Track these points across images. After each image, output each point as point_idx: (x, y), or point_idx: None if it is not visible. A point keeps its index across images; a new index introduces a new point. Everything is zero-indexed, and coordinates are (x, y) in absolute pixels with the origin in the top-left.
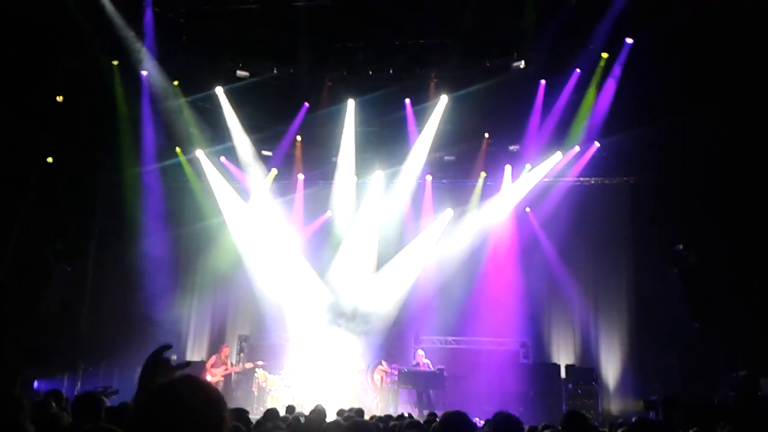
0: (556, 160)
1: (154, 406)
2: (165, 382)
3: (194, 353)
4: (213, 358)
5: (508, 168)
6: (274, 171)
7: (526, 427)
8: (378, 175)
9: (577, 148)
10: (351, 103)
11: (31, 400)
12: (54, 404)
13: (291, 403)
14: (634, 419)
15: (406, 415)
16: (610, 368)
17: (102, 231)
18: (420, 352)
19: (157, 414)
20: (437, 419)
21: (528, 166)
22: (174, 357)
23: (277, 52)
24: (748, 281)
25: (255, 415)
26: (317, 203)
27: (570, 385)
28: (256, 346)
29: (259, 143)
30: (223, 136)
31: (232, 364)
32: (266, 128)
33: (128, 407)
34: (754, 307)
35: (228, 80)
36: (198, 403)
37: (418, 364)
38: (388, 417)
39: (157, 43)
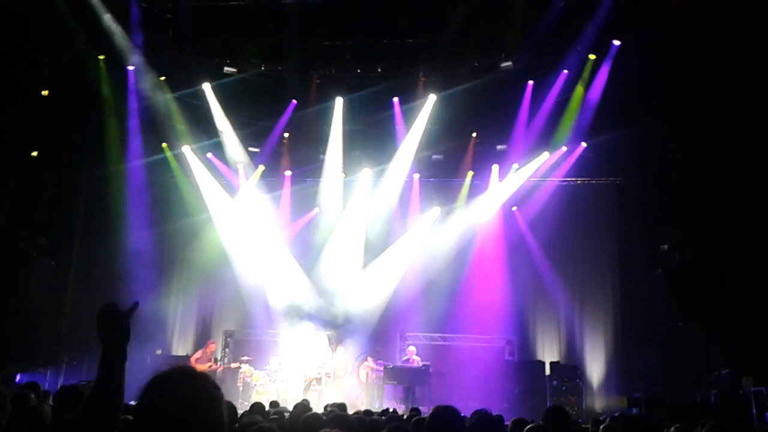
0: (543, 159)
1: (149, 401)
2: (160, 375)
3: (179, 348)
4: (198, 353)
5: (495, 167)
6: (261, 167)
7: (509, 423)
8: (366, 173)
9: (564, 149)
10: (339, 101)
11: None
12: (33, 396)
13: (276, 399)
14: (616, 414)
15: (391, 410)
16: (595, 366)
17: (86, 226)
18: (411, 348)
19: (153, 411)
20: (419, 415)
21: (515, 165)
22: (159, 351)
23: (265, 49)
24: (731, 281)
25: (240, 410)
26: (304, 200)
27: (554, 382)
28: (242, 342)
29: (247, 139)
30: (209, 132)
31: (217, 360)
32: (253, 125)
33: None
34: (737, 307)
35: (215, 76)
36: (196, 398)
37: (408, 360)
38: (368, 412)
39: (144, 38)
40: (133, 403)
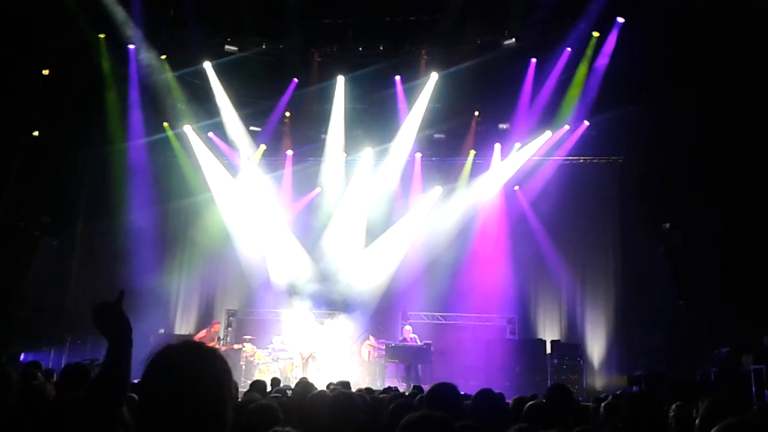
0: (545, 138)
1: (153, 374)
2: (167, 348)
3: (182, 327)
4: (203, 332)
5: (497, 146)
6: (263, 147)
7: (511, 400)
8: (367, 153)
9: (566, 127)
10: (340, 80)
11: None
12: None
13: (278, 377)
14: (618, 392)
15: (392, 389)
16: (596, 345)
17: (89, 205)
18: (407, 327)
19: (156, 383)
20: (422, 393)
21: (517, 144)
22: (161, 330)
23: (266, 27)
24: (731, 260)
25: (242, 389)
26: (306, 180)
27: (555, 361)
28: (244, 321)
29: (248, 119)
30: (211, 111)
31: (220, 339)
32: (255, 104)
33: None
34: (737, 286)
35: (216, 55)
36: (199, 371)
37: (405, 340)
38: (370, 390)
39: (144, 17)
40: (137, 381)
